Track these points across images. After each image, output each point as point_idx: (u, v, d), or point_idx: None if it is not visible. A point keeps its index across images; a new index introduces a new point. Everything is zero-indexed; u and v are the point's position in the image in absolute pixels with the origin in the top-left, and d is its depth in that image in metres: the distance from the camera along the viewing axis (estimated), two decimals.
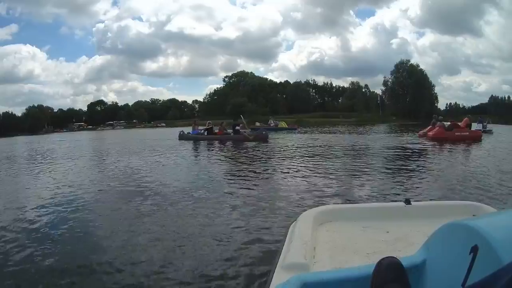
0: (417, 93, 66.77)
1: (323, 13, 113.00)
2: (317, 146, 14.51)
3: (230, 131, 18.34)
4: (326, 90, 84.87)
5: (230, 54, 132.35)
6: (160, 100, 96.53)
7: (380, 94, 74.18)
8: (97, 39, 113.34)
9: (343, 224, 1.67)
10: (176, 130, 22.38)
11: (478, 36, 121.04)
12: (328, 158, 10.34)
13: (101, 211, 4.79)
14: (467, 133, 16.11)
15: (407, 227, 1.59)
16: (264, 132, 18.40)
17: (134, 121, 79.05)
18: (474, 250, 0.85)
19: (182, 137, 18.80)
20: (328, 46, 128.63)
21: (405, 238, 1.48)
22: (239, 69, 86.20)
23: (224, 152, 13.73)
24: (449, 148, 12.62)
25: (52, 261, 3.05)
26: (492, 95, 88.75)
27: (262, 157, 10.97)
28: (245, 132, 17.87)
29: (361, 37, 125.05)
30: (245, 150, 13.20)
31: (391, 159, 9.98)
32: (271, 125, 31.70)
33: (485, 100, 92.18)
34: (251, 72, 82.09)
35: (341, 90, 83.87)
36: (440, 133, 15.58)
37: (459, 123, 16.73)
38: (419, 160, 9.55)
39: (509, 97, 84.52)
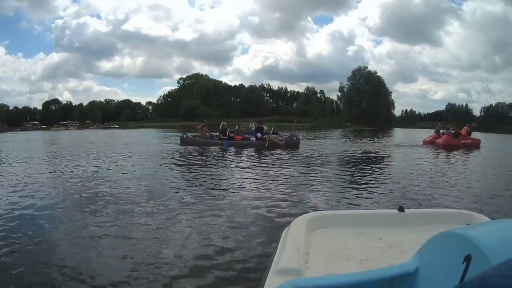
0: (374, 99, 68.15)
1: (281, 18, 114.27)
2: (337, 153, 13.07)
3: (249, 135, 15.45)
4: (281, 94, 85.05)
5: (186, 56, 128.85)
6: (114, 101, 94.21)
7: (336, 99, 75.10)
8: (55, 36, 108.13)
9: (336, 230, 1.68)
10: (133, 132, 19.44)
11: (437, 45, 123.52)
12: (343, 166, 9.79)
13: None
14: (470, 141, 17.22)
15: (400, 235, 1.61)
16: (295, 138, 15.01)
17: (88, 121, 76.44)
18: (467, 259, 0.85)
19: (184, 141, 15.47)
20: (283, 51, 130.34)
21: (398, 245, 1.49)
22: (194, 72, 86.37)
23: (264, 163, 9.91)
24: (459, 154, 13.29)
25: None
26: (449, 102, 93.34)
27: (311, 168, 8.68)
28: (267, 137, 14.44)
29: (318, 43, 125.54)
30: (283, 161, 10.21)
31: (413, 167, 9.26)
32: (253, 129, 28.86)
33: (441, 107, 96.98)
34: (206, 75, 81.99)
35: (295, 95, 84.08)
36: (449, 141, 16.41)
37: (460, 131, 17.67)
38: (451, 167, 9.79)
39: (466, 105, 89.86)
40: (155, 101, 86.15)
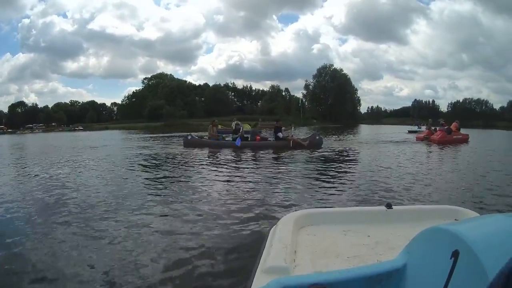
0: (339, 97, 68.63)
1: (246, 16, 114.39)
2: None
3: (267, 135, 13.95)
4: (246, 93, 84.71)
5: (150, 55, 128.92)
6: (79, 102, 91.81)
7: (301, 97, 74.22)
8: (21, 36, 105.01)
9: (324, 228, 1.67)
10: (95, 135, 18.60)
11: (403, 44, 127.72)
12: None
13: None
14: (461, 136, 17.98)
15: (388, 231, 1.60)
16: (318, 137, 14.08)
17: (53, 124, 74.10)
18: (455, 255, 0.85)
19: (189, 143, 14.05)
20: (248, 50, 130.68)
21: (386, 242, 1.49)
22: (159, 71, 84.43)
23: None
24: (453, 149, 13.86)
25: None
26: (415, 99, 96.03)
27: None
28: (288, 136, 13.33)
29: (283, 42, 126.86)
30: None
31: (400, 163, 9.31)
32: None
33: (408, 104, 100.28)
34: (170, 74, 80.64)
35: (260, 94, 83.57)
36: (444, 137, 16.95)
37: (451, 127, 18.28)
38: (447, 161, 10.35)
39: (433, 101, 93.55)
40: (120, 102, 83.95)
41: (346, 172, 7.57)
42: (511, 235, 0.83)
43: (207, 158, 10.48)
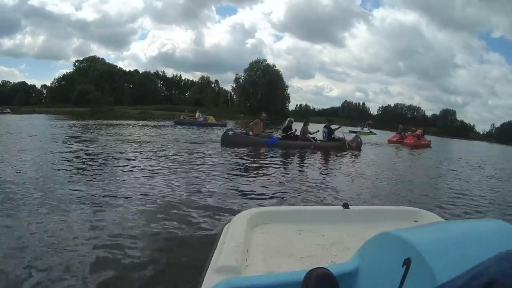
0: (269, 92, 69.31)
1: (185, 4, 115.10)
2: None
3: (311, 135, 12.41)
4: (175, 82, 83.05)
5: (85, 37, 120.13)
6: (10, 83, 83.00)
7: (230, 90, 74.83)
8: None
9: (278, 226, 1.63)
10: (27, 119, 17.38)
11: (339, 46, 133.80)
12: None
13: None
14: (427, 141, 20.54)
15: (344, 232, 1.59)
16: (359, 139, 13.66)
17: None
18: (407, 263, 0.83)
19: (228, 140, 11.40)
20: (182, 39, 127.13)
21: (342, 242, 1.47)
22: (92, 54, 78.35)
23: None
24: (420, 153, 15.32)
25: None
26: (345, 100, 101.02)
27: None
28: (313, 138, 12.44)
29: (218, 33, 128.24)
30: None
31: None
32: (200, 119, 25.36)
33: (337, 104, 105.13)
34: (102, 58, 75.62)
35: (189, 84, 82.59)
36: (415, 142, 19.03)
37: (417, 133, 20.33)
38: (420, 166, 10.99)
39: (363, 103, 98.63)
40: (50, 85, 76.85)
41: (309, 172, 7.38)
42: (465, 245, 0.83)
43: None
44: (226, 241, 1.35)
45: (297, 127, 13.04)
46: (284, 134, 12.36)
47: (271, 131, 14.64)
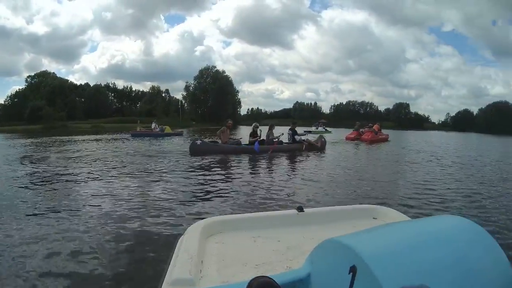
0: (220, 98, 69.57)
1: (134, 15, 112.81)
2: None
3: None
4: (125, 94, 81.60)
5: (36, 52, 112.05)
6: None
7: (181, 99, 74.63)
8: None
9: (233, 235, 1.63)
10: None
11: (288, 48, 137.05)
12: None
13: None
14: (384, 136, 20.96)
15: (299, 235, 1.59)
16: (323, 139, 14.49)
17: None
18: (353, 270, 0.84)
19: (196, 150, 11.58)
20: (131, 50, 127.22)
21: (297, 246, 1.47)
22: (43, 69, 74.81)
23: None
24: (378, 148, 15.55)
25: None
26: (297, 101, 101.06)
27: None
28: (302, 139, 13.68)
29: (166, 42, 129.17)
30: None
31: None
32: (156, 130, 25.48)
33: (288, 106, 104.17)
34: (53, 73, 72.53)
35: (140, 95, 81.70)
36: (373, 137, 19.35)
37: (374, 128, 20.77)
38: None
39: (315, 103, 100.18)
40: (2, 102, 70.88)
41: (272, 176, 7.43)
42: (416, 249, 0.84)
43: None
44: (180, 253, 1.35)
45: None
46: (251, 139, 12.45)
47: (237, 137, 14.72)
